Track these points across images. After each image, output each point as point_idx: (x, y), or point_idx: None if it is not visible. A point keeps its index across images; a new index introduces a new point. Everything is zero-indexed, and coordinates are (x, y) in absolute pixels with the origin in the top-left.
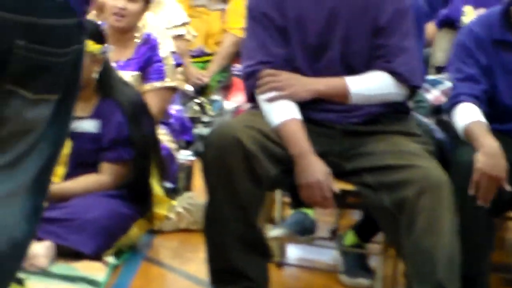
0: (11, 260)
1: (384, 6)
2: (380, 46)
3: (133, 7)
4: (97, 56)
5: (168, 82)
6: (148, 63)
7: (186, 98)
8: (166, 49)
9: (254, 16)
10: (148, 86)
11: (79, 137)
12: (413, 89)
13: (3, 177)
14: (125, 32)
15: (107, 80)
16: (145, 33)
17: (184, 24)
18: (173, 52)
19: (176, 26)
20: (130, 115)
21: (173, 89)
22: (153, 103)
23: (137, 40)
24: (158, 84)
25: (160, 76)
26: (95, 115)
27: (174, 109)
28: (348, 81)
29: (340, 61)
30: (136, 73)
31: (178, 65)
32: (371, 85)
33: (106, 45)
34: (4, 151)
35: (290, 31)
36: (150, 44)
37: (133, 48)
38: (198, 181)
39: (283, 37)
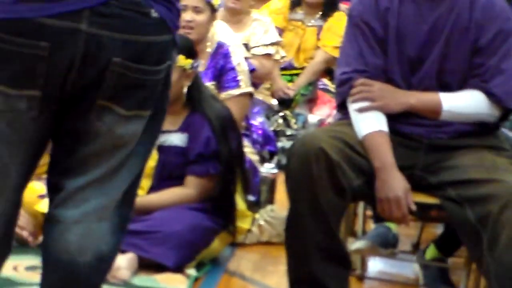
0: (97, 273)
1: (487, 25)
2: (478, 65)
3: (201, 18)
4: (188, 71)
5: (243, 89)
6: (222, 72)
7: (270, 111)
8: (238, 56)
9: (356, 23)
10: (224, 94)
11: (166, 151)
12: (507, 112)
13: (96, 191)
14: (196, 44)
15: (196, 94)
16: (217, 42)
17: (273, 44)
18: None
19: (265, 45)
20: (218, 130)
21: (250, 95)
22: (232, 111)
23: (209, 50)
24: (234, 91)
25: (236, 83)
26: (183, 129)
27: (258, 121)
28: (442, 98)
29: (436, 77)
30: (211, 83)
31: (251, 70)
32: (465, 103)
33: (196, 59)
34: (97, 166)
35: (389, 42)
36: (222, 53)
37: (206, 59)
38: (280, 194)
39: (381, 47)
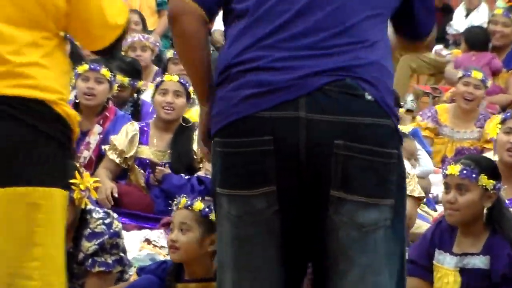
0: None
1: None
2: None
3: None
4: (490, 191)
5: None
6: None
7: None
8: None
9: None
10: None
11: (469, 273)
12: None
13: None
14: None
15: (497, 216)
16: None
17: None
18: None
19: None
20: None
21: None
22: None
23: None
24: None
25: None
26: (485, 252)
27: None
28: None
29: None
30: None
31: None
32: None
33: (499, 180)
34: (349, 262)
35: None
36: None
37: None
38: None
39: None
